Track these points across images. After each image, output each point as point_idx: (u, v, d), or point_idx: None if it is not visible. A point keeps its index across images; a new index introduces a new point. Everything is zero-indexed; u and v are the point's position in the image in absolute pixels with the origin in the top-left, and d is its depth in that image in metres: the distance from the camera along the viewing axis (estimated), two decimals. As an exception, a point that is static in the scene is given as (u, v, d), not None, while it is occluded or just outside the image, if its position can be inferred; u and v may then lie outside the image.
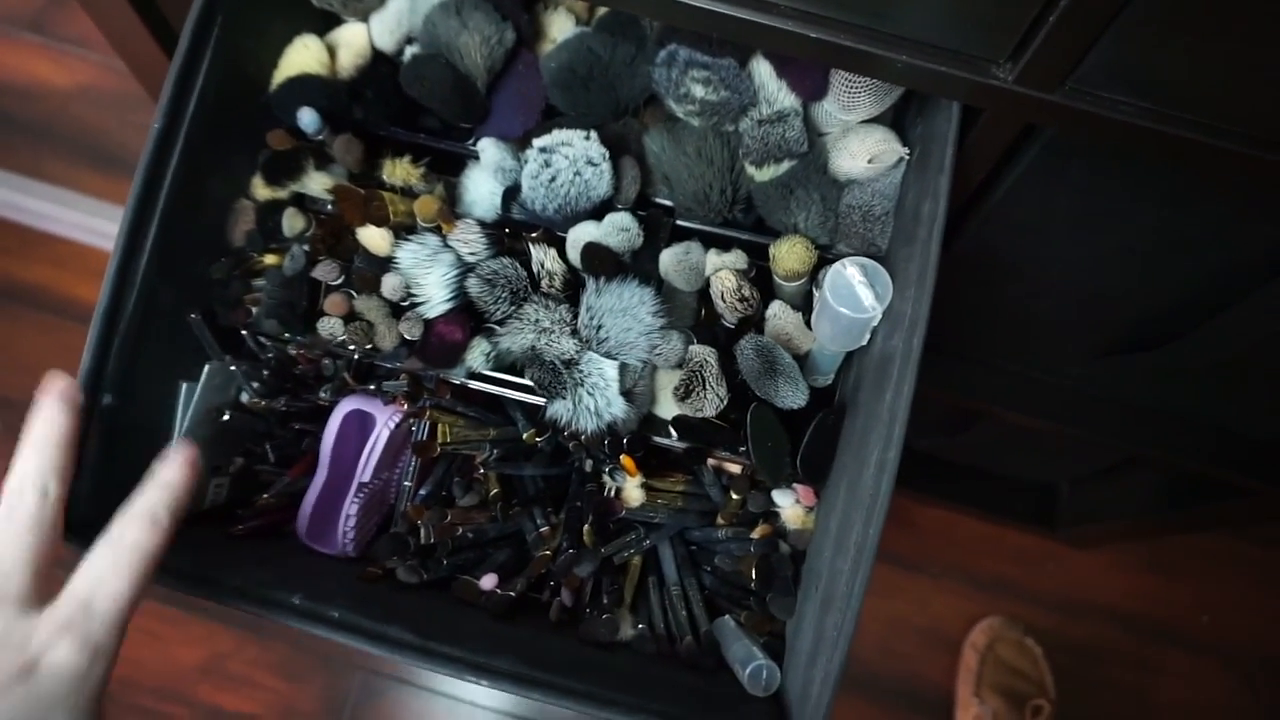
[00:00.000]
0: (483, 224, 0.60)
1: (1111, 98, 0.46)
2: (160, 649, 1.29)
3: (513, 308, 0.58)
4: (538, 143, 0.58)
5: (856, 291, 0.52)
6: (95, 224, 1.41)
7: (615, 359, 0.57)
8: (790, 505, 0.61)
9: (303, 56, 0.61)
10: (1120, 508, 1.26)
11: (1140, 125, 0.46)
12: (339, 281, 0.60)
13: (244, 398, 0.63)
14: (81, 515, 0.52)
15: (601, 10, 0.62)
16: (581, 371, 0.57)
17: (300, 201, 0.62)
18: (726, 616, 0.61)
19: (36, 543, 0.43)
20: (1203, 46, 0.42)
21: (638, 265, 0.60)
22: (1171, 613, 1.39)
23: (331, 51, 0.63)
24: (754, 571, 0.59)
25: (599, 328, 0.56)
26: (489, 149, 0.60)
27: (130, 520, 0.45)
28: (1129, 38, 0.42)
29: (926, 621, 1.36)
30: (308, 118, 0.59)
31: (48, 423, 0.47)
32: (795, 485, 0.61)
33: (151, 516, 0.46)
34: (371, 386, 0.63)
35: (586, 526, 0.60)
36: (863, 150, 0.56)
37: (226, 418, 0.61)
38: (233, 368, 0.61)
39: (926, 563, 1.39)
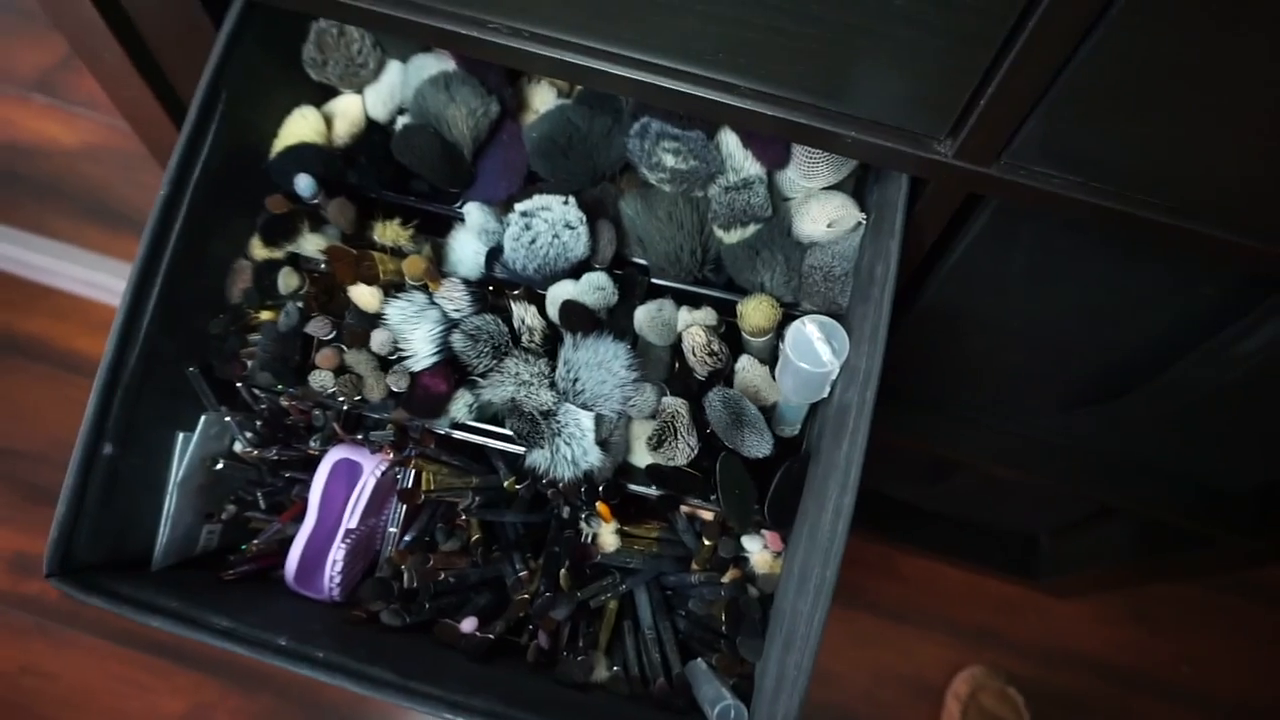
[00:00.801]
0: (467, 282, 0.63)
1: (1044, 171, 0.50)
2: (145, 699, 1.29)
3: (494, 361, 0.61)
4: (519, 207, 0.62)
5: (815, 348, 0.55)
6: (97, 278, 1.45)
7: (591, 410, 0.60)
8: (759, 550, 0.63)
9: (301, 126, 0.66)
10: (1099, 557, 1.28)
11: (1071, 197, 0.50)
12: (330, 337, 0.63)
13: (237, 447, 0.65)
14: (78, 560, 0.55)
15: (580, 85, 0.67)
16: (559, 422, 0.60)
17: (295, 261, 0.65)
18: (699, 659, 0.63)
19: None
20: (1121, 126, 0.46)
21: (613, 321, 0.64)
22: (1153, 662, 1.40)
23: (328, 121, 0.67)
24: (724, 615, 0.61)
25: (576, 380, 0.60)
26: (474, 212, 0.64)
27: None
28: (1055, 118, 0.46)
29: (910, 670, 1.37)
30: (304, 183, 0.62)
31: None
32: (763, 531, 0.63)
33: None
34: (360, 436, 0.66)
35: (563, 571, 0.63)
36: (823, 215, 0.60)
37: (220, 466, 0.64)
38: (228, 418, 0.64)
39: (910, 612, 1.41)
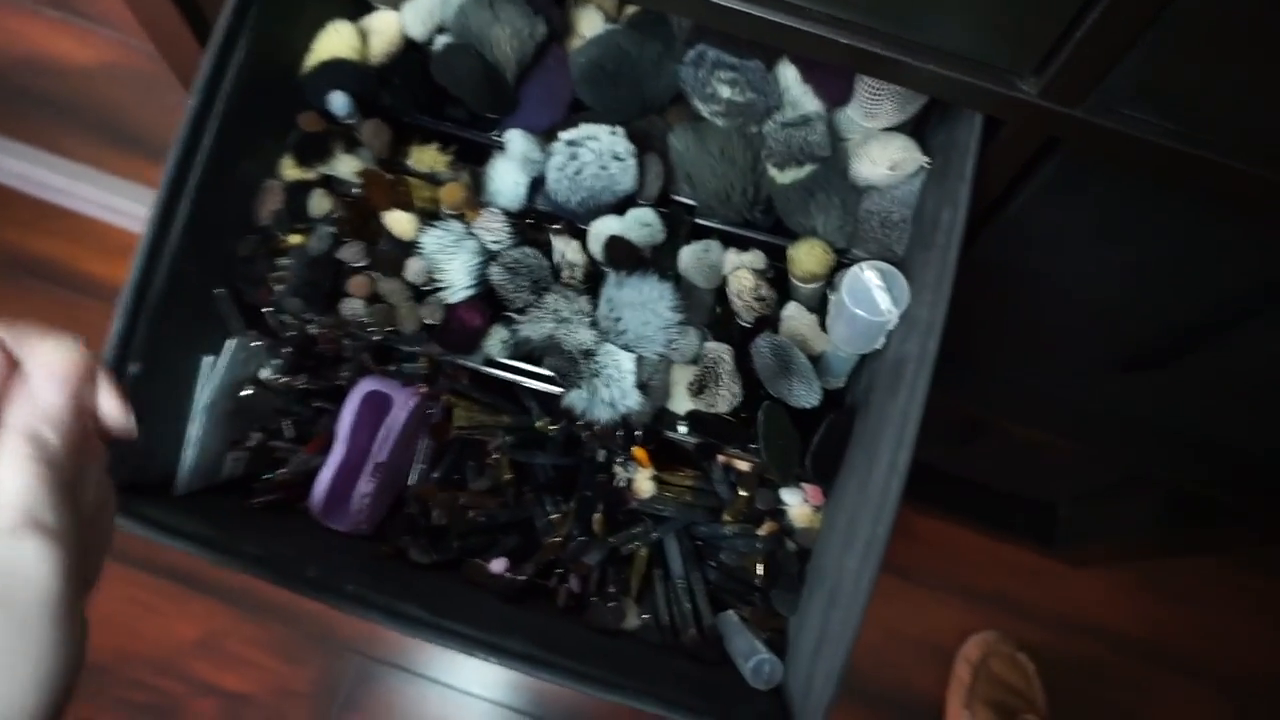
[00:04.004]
0: (507, 213, 0.60)
1: (1133, 115, 0.46)
2: (159, 623, 1.30)
3: (533, 297, 0.59)
4: (565, 136, 0.59)
5: (874, 295, 0.53)
6: (111, 201, 1.42)
7: (633, 352, 0.58)
8: (798, 504, 0.62)
9: (335, 41, 0.62)
10: (1118, 528, 1.27)
11: (1160, 144, 0.47)
12: (363, 264, 0.60)
13: (264, 374, 0.63)
14: (103, 481, 0.53)
15: (631, 8, 0.63)
16: (599, 362, 0.58)
17: (328, 183, 0.63)
18: (730, 611, 0.62)
19: None
20: (1228, 69, 0.43)
21: (657, 261, 0.61)
22: (1167, 635, 1.39)
23: (363, 37, 0.64)
24: (762, 567, 0.60)
25: (618, 320, 0.57)
26: (517, 140, 0.61)
27: None
28: (1153, 57, 0.43)
29: (921, 632, 1.37)
30: (339, 101, 0.59)
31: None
32: (803, 484, 0.61)
33: None
34: (391, 368, 0.63)
35: (598, 515, 0.61)
36: (884, 157, 0.57)
37: (247, 393, 0.62)
38: (255, 344, 0.61)
39: (924, 574, 1.40)
